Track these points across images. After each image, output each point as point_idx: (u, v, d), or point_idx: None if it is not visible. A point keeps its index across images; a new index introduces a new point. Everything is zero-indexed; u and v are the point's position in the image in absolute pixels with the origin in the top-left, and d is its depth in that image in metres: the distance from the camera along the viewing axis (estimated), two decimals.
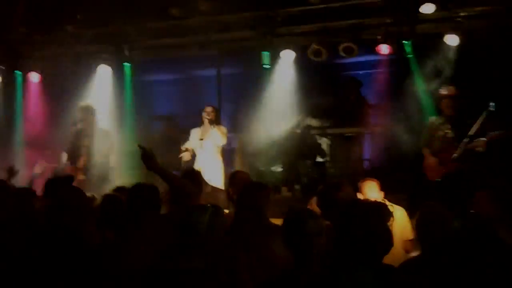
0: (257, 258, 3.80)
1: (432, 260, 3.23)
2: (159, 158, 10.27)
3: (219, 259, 3.03)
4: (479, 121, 6.84)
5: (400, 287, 2.41)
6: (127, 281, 3.38)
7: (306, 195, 8.89)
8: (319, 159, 10.50)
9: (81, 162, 8.25)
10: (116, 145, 8.79)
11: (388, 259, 2.67)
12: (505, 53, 7.98)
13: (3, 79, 10.37)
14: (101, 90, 9.95)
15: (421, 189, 7.27)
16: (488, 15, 8.08)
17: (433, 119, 7.51)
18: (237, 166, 9.80)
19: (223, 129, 8.67)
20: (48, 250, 3.35)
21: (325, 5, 8.65)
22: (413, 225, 5.66)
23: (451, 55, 8.34)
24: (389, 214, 2.53)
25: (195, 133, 8.70)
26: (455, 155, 7.00)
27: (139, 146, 4.07)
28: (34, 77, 10.31)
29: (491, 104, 6.79)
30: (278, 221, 4.29)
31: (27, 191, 4.44)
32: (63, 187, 4.32)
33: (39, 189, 5.00)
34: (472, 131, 6.86)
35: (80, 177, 8.05)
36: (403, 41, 8.46)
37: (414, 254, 5.39)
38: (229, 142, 11.34)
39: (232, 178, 5.41)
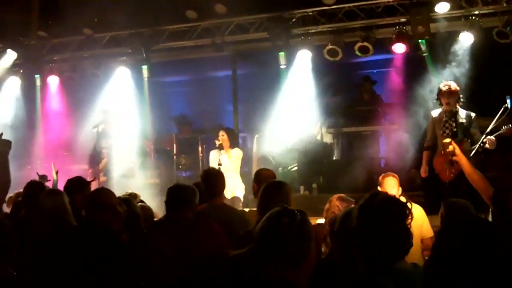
0: None
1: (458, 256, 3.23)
2: (177, 158, 10.49)
3: None
4: (497, 118, 6.77)
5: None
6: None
7: (323, 193, 8.99)
8: (335, 158, 10.57)
9: (102, 164, 8.40)
10: (136, 146, 8.91)
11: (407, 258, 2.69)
12: None
13: (23, 83, 10.52)
14: (120, 92, 10.10)
15: (437, 188, 7.21)
16: (502, 12, 8.10)
17: (434, 113, 7.32)
18: (253, 165, 9.90)
19: (236, 152, 8.39)
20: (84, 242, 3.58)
21: (339, 6, 8.73)
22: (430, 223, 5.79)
23: (465, 53, 8.34)
24: (409, 213, 2.49)
25: (213, 156, 8.63)
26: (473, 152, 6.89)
27: None
28: (53, 80, 10.48)
29: (508, 100, 6.71)
30: None
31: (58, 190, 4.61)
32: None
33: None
34: (489, 127, 6.78)
35: (102, 178, 8.21)
36: (418, 40, 8.49)
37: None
38: (244, 142, 11.48)
39: (258, 175, 5.52)
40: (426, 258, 5.21)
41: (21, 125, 10.38)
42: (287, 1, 9.13)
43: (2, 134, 3.95)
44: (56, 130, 10.49)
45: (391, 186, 5.62)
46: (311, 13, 9.07)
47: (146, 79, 10.30)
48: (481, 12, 8.28)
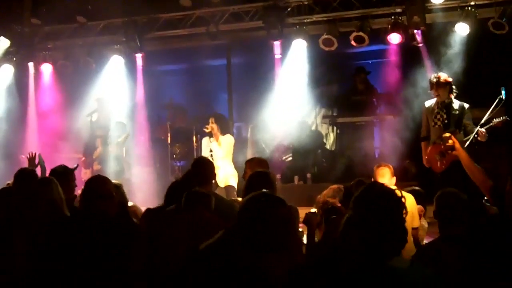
0: None
1: (455, 245, 3.26)
2: (171, 147, 10.47)
3: None
4: (491, 109, 6.78)
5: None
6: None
7: (317, 183, 9.01)
8: (329, 148, 10.59)
9: (96, 153, 8.36)
10: (130, 135, 8.88)
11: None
12: None
13: (16, 70, 10.45)
14: (113, 81, 10.04)
15: (431, 178, 7.24)
16: (498, 3, 8.08)
17: (427, 104, 7.32)
18: (248, 155, 9.89)
19: (225, 139, 8.31)
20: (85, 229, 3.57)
21: None
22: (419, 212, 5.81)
23: (461, 43, 8.33)
24: (403, 207, 2.42)
25: (204, 143, 8.59)
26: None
27: None
28: (47, 68, 10.41)
29: (503, 91, 6.73)
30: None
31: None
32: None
33: None
34: (484, 119, 6.80)
35: (96, 167, 8.19)
36: (413, 30, 8.47)
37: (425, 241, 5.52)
38: (239, 132, 11.46)
39: (250, 161, 5.56)
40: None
41: (14, 113, 10.32)
42: None
43: None
44: (50, 119, 10.43)
45: (384, 176, 5.67)
46: (306, 2, 9.02)
47: (140, 67, 10.24)
48: (477, 2, 8.24)
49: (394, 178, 5.76)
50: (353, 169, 9.14)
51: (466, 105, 7.12)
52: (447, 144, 6.39)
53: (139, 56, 10.03)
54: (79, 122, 9.18)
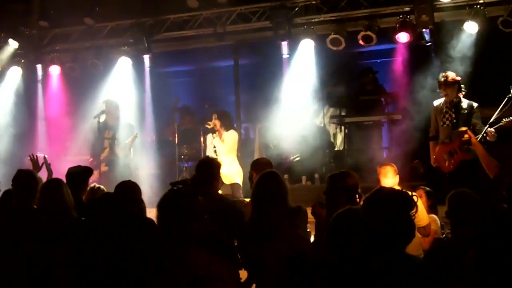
0: (282, 240, 4.05)
1: (466, 242, 3.24)
2: (179, 148, 10.48)
3: None
4: (500, 108, 6.72)
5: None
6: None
7: (325, 183, 8.96)
8: (337, 148, 10.54)
9: (104, 154, 8.37)
10: (137, 136, 8.88)
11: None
12: None
13: (24, 72, 10.50)
14: (121, 82, 10.06)
15: (440, 178, 7.19)
16: (507, 1, 8.01)
17: (436, 103, 7.29)
18: (256, 156, 9.88)
19: (228, 135, 8.22)
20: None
21: None
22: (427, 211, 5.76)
23: (470, 42, 8.27)
24: (413, 205, 2.52)
25: (209, 140, 8.57)
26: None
27: None
28: (55, 70, 10.45)
29: (511, 89, 6.67)
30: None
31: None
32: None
33: None
34: (492, 118, 6.74)
35: (103, 168, 8.19)
36: (422, 29, 8.42)
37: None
38: (247, 133, 11.45)
39: (255, 163, 5.54)
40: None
41: (22, 115, 10.36)
42: None
43: None
44: (57, 120, 10.47)
45: (387, 175, 5.64)
46: (314, 2, 8.99)
47: (148, 69, 10.26)
48: (486, 1, 8.19)
49: (398, 177, 5.74)
50: (361, 169, 9.09)
51: (475, 104, 7.07)
52: (463, 139, 6.35)
53: (146, 58, 10.07)
54: (87, 123, 9.19)
